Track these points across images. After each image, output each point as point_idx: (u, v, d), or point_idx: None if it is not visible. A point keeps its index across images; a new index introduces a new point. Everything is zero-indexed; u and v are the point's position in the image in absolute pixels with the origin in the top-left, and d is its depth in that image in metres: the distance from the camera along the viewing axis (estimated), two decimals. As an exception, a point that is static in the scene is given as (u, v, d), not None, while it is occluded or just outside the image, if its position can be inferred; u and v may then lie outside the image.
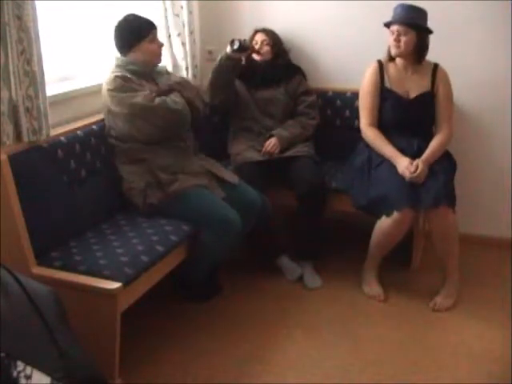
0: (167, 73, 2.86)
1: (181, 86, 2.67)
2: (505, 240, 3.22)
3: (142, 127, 2.50)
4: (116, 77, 2.52)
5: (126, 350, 2.16)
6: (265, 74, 3.11)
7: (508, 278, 2.87)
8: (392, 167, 2.72)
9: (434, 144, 2.77)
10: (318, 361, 2.32)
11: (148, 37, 2.60)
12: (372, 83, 2.85)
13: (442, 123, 2.82)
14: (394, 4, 2.80)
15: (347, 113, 3.26)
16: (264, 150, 2.98)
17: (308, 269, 2.92)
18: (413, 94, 2.83)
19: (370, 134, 2.85)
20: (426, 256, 3.05)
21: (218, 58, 2.99)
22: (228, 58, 2.94)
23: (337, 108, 3.29)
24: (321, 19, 3.28)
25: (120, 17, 2.63)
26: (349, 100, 3.25)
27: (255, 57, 3.12)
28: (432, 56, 2.85)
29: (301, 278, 2.90)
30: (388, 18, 2.79)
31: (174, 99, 2.57)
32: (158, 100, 2.51)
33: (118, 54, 2.64)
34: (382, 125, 2.86)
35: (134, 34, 2.59)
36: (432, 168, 2.69)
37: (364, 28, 3.21)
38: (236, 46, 2.88)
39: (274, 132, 3.03)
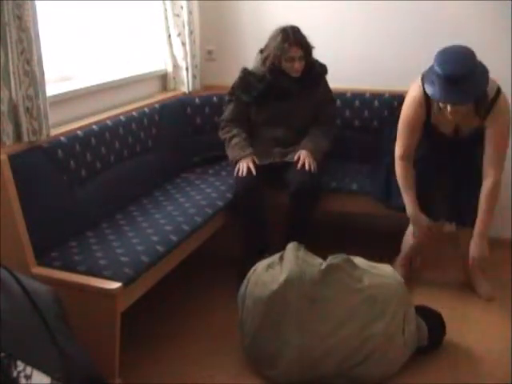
0: None
1: None
2: (505, 240, 3.22)
3: None
4: None
5: (125, 350, 2.16)
6: (291, 88, 2.94)
7: (508, 278, 2.87)
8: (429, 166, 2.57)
9: (483, 204, 2.43)
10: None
11: None
12: (416, 116, 2.51)
13: (490, 166, 2.42)
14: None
15: (347, 113, 3.26)
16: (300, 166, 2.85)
17: None
18: (462, 134, 2.52)
19: (398, 169, 2.59)
20: (425, 256, 3.05)
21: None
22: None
23: (337, 108, 3.29)
24: (321, 19, 3.28)
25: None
26: (349, 100, 3.25)
27: (293, 75, 2.91)
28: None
29: None
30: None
31: None
32: None
33: None
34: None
35: None
36: (471, 181, 2.51)
37: (365, 28, 3.21)
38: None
39: (302, 146, 2.93)
